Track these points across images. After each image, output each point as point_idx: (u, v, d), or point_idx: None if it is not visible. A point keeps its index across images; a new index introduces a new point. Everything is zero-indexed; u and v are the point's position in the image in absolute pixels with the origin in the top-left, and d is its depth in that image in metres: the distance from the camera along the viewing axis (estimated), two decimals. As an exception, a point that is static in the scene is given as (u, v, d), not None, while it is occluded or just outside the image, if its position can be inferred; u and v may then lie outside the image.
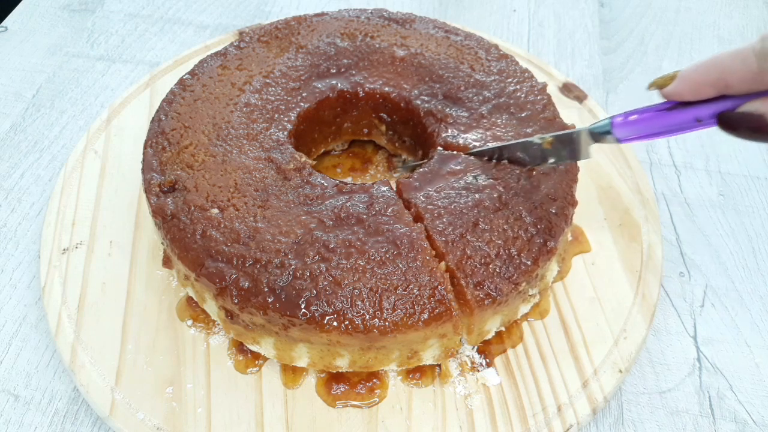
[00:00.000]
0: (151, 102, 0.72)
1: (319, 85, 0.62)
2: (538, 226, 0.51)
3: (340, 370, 0.50)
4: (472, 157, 0.55)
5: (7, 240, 0.63)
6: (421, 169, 0.55)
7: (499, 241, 0.50)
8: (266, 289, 0.46)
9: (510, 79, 0.63)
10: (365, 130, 0.66)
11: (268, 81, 0.62)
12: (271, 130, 0.58)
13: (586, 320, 0.56)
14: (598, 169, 0.66)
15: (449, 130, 0.58)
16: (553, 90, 0.74)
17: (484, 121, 0.59)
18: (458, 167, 0.55)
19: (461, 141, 0.57)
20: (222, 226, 0.50)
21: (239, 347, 0.53)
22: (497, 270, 0.49)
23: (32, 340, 0.56)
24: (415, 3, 0.92)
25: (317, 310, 0.46)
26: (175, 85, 0.61)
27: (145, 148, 0.56)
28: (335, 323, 0.46)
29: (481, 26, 0.88)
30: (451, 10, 0.90)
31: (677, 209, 0.68)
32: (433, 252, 0.49)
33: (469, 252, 0.49)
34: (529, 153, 0.54)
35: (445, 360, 0.52)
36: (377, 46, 0.66)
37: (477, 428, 0.50)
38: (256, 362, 0.52)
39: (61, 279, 0.57)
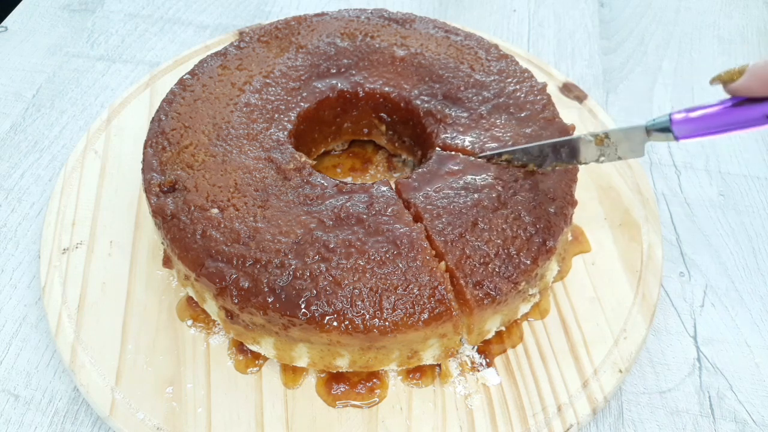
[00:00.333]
0: (151, 102, 0.72)
1: (319, 85, 0.62)
2: (537, 226, 0.51)
3: (340, 370, 0.50)
4: (470, 158, 0.55)
5: (7, 240, 0.63)
6: (419, 170, 0.55)
7: (499, 241, 0.50)
8: (266, 289, 0.46)
9: (510, 79, 0.63)
10: (365, 130, 0.66)
11: (268, 81, 0.62)
12: (271, 130, 0.58)
13: (586, 320, 0.56)
14: (598, 169, 0.66)
15: (448, 131, 0.58)
16: (553, 90, 0.73)
17: (483, 121, 0.59)
18: (457, 167, 0.55)
19: (459, 142, 0.57)
20: (222, 226, 0.50)
21: (239, 347, 0.53)
22: (496, 269, 0.49)
23: (32, 340, 0.56)
24: (415, 3, 0.92)
25: (317, 310, 0.46)
26: (175, 85, 0.61)
27: (145, 148, 0.56)
28: (335, 323, 0.46)
29: (481, 26, 0.88)
30: (451, 10, 0.90)
31: (677, 209, 0.68)
32: (433, 252, 0.49)
33: (468, 252, 0.49)
34: (579, 151, 0.52)
35: (445, 360, 0.52)
36: (377, 46, 0.66)
37: (477, 428, 0.50)
38: (256, 362, 0.52)
39: (61, 279, 0.57)
